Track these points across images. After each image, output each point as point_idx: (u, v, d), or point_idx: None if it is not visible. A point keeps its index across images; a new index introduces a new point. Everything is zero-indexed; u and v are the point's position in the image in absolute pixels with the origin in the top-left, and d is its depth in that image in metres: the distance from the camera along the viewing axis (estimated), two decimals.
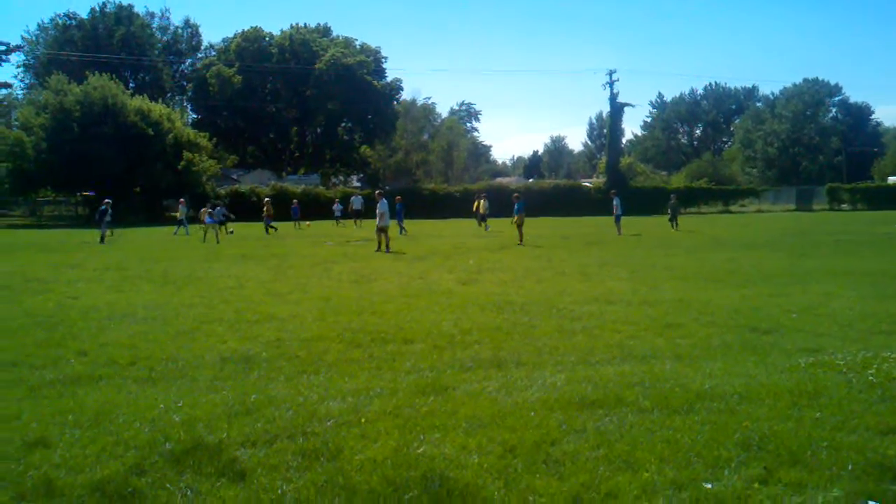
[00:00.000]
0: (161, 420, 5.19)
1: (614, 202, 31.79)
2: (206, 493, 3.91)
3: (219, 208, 34.50)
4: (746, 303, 11.24)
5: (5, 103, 65.91)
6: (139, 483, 4.04)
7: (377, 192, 26.06)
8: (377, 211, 23.04)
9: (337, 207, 40.72)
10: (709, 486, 3.86)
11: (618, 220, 30.88)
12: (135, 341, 8.64)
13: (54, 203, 62.84)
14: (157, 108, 50.89)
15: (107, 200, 30.68)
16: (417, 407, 5.40)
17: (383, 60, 75.76)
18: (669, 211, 34.65)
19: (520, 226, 25.65)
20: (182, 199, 36.37)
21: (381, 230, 22.64)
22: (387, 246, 22.42)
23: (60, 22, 71.40)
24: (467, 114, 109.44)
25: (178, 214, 35.06)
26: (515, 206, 26.27)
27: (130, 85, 63.38)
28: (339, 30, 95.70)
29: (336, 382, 6.49)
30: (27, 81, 72.15)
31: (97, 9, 71.60)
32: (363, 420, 5.09)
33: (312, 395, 5.84)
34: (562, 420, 4.99)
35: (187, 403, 5.64)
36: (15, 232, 39.05)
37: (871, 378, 5.94)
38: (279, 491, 3.90)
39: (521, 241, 24.83)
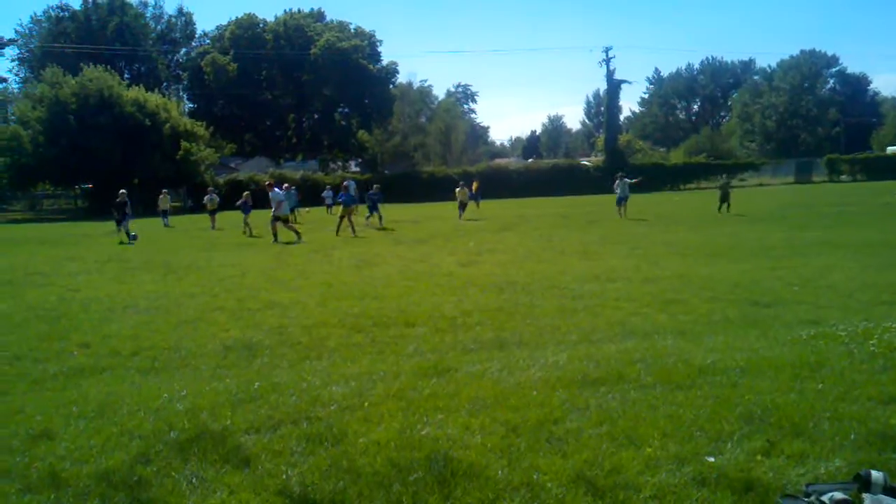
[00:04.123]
0: (165, 409, 5.20)
1: (618, 184, 28.56)
2: (211, 479, 3.92)
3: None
4: (747, 276, 11.25)
5: (1, 98, 65.65)
6: (145, 472, 4.05)
7: (267, 183, 26.60)
8: (273, 201, 22.21)
9: (327, 194, 39.97)
10: (711, 459, 3.87)
11: (619, 202, 27.99)
12: (137, 332, 8.66)
13: (53, 196, 63.03)
14: (154, 99, 50.65)
15: (122, 191, 27.64)
16: (420, 389, 5.41)
17: (378, 44, 75.14)
18: (720, 192, 28.44)
19: (343, 217, 23.71)
20: (165, 190, 35.93)
21: (277, 220, 21.95)
22: (275, 235, 21.79)
23: (53, 14, 70.95)
24: (464, 95, 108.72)
25: (161, 205, 34.40)
26: (342, 197, 24.44)
27: (126, 76, 62.95)
28: (333, 14, 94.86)
29: (339, 367, 6.51)
30: (22, 75, 71.95)
31: (90, 0, 71.08)
32: (366, 404, 5.09)
33: (315, 381, 5.84)
34: (564, 398, 4.99)
35: (191, 392, 5.65)
36: (15, 226, 39.04)
37: (872, 348, 5.94)
38: (284, 476, 3.91)
39: (353, 232, 23.12)
